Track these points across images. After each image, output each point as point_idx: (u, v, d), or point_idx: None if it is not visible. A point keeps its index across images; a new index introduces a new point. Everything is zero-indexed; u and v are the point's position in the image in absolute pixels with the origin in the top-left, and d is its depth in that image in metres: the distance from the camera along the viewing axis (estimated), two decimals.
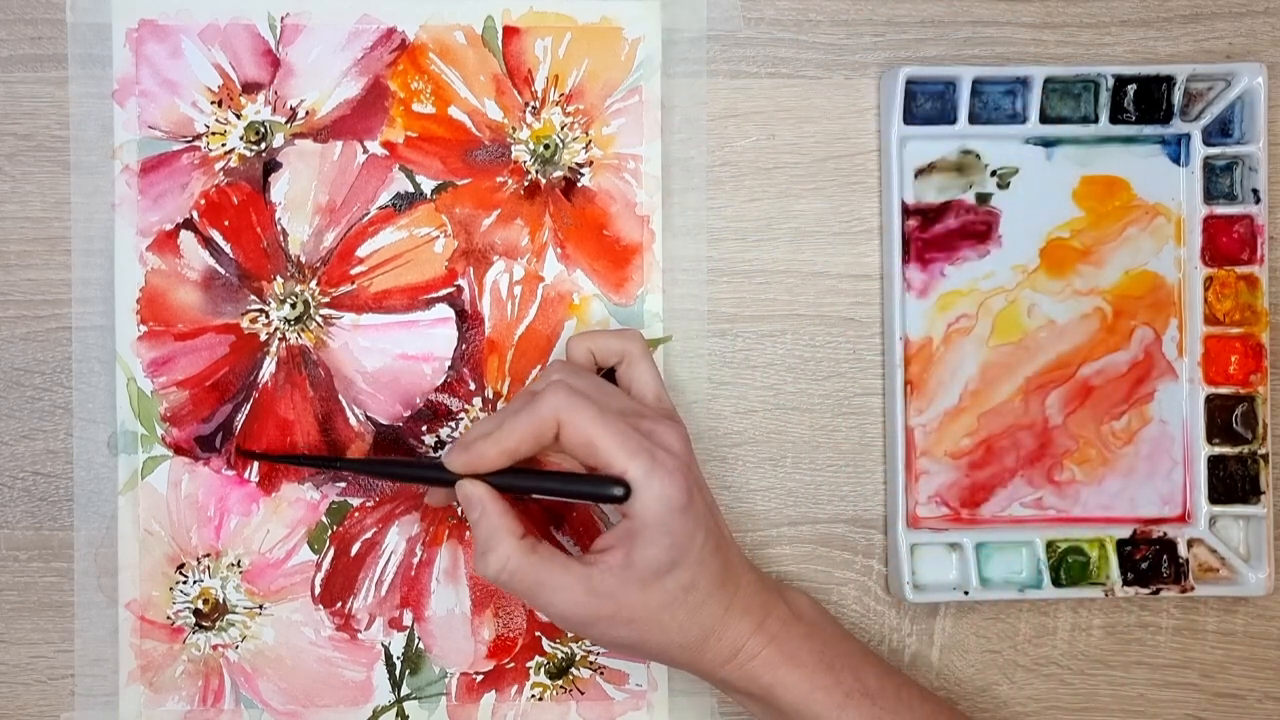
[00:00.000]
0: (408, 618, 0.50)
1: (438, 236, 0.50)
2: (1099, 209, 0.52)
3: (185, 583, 0.50)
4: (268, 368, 0.50)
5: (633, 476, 0.42)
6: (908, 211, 0.52)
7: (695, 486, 0.44)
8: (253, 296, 0.50)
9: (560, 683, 0.51)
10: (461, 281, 0.51)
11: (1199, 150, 0.52)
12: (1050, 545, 0.51)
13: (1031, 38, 0.53)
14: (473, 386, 0.50)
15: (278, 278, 0.50)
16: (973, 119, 0.51)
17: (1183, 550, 0.51)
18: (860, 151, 0.52)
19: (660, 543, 0.42)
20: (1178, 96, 0.51)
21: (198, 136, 0.50)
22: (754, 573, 0.46)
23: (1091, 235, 0.52)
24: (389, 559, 0.50)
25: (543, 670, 0.51)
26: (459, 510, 0.50)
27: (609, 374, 0.48)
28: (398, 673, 0.50)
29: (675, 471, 0.42)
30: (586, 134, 0.51)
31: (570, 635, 0.51)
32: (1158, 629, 0.53)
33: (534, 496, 0.47)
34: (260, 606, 0.50)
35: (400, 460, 0.50)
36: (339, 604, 0.50)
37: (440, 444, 0.50)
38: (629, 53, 0.51)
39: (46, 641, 0.50)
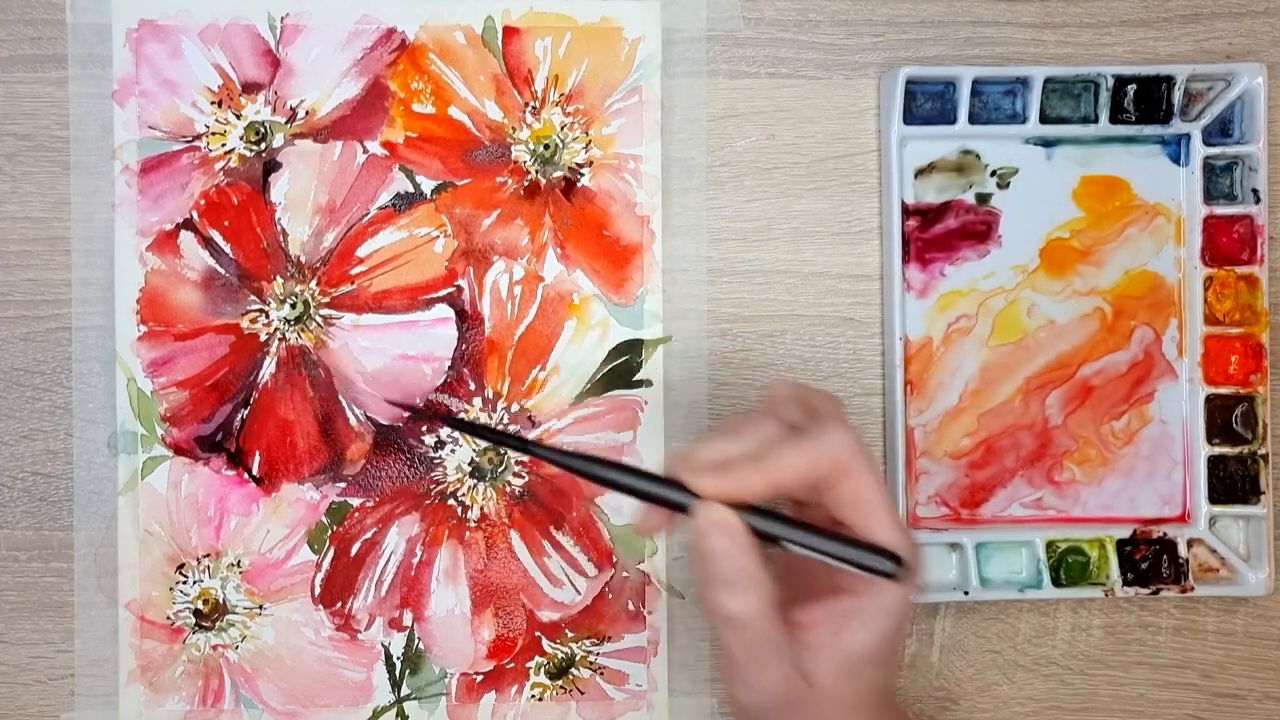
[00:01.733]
0: (408, 618, 0.50)
1: (438, 236, 0.50)
2: (1099, 209, 0.52)
3: (185, 583, 0.50)
4: (268, 368, 0.50)
5: (895, 548, 0.38)
6: (908, 211, 0.52)
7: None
8: (253, 296, 0.50)
9: (560, 683, 0.51)
10: (461, 282, 0.51)
11: (1199, 150, 0.52)
12: (1050, 545, 0.51)
13: (1031, 38, 0.53)
14: (473, 387, 0.50)
15: (278, 278, 0.50)
16: (973, 119, 0.51)
17: (1183, 550, 0.51)
18: (860, 151, 0.53)
19: (879, 631, 0.38)
20: (1178, 96, 0.51)
21: (198, 136, 0.50)
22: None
23: (1091, 235, 0.52)
24: (389, 559, 0.50)
25: (543, 670, 0.51)
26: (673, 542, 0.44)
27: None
28: (398, 673, 0.50)
29: (917, 566, 0.39)
30: (586, 134, 0.51)
31: (570, 636, 0.51)
32: (1158, 629, 0.53)
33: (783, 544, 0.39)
34: (260, 606, 0.50)
35: (635, 469, 0.39)
36: (339, 604, 0.50)
37: (440, 444, 0.50)
38: (629, 53, 0.51)
39: (46, 641, 0.50)
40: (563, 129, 0.51)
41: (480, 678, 0.51)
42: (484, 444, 0.50)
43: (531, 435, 0.51)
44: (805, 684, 0.38)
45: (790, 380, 0.47)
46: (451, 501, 0.50)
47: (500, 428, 0.48)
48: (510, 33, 0.51)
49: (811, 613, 0.39)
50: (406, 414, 0.49)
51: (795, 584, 0.41)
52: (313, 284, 0.50)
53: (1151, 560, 0.51)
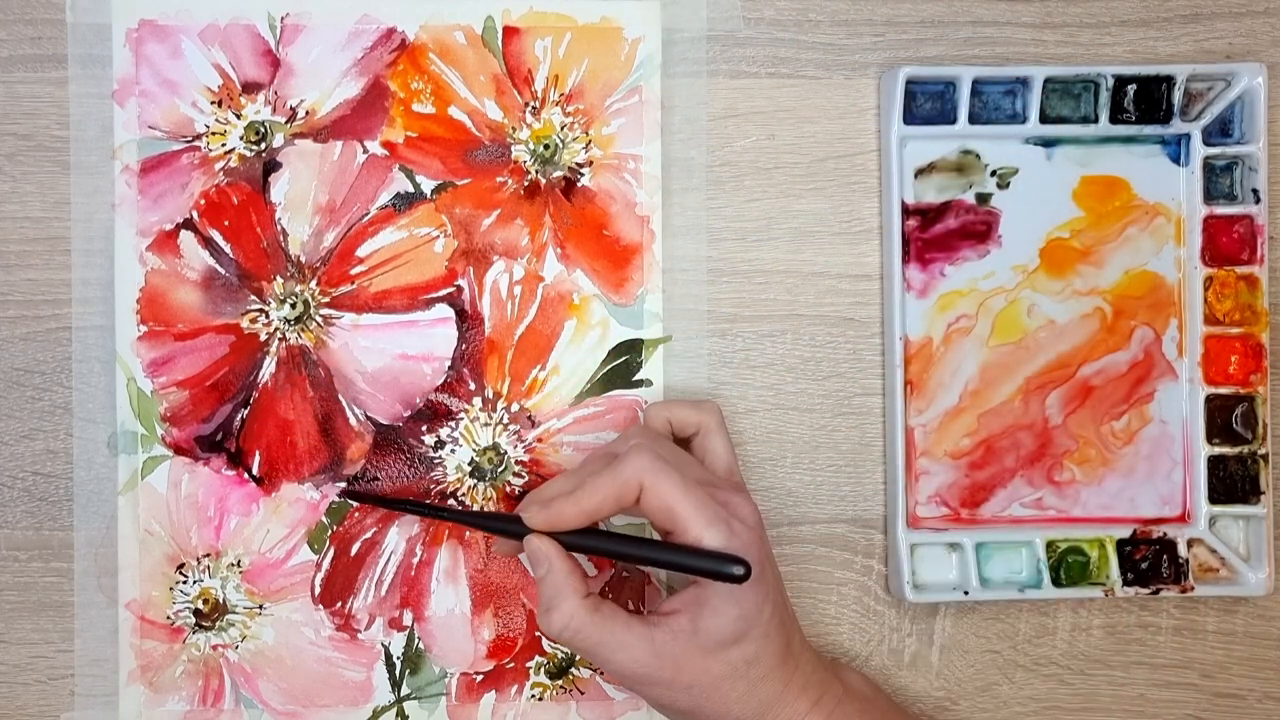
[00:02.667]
0: (408, 618, 0.50)
1: (438, 236, 0.50)
2: (1099, 209, 0.52)
3: (185, 583, 0.50)
4: (268, 368, 0.50)
5: (708, 545, 0.42)
6: (908, 211, 0.52)
7: (766, 560, 0.44)
8: (253, 296, 0.50)
9: (560, 683, 0.51)
10: (461, 281, 0.51)
11: (1199, 150, 0.52)
12: (1050, 545, 0.51)
13: (1031, 38, 0.53)
14: (473, 386, 0.50)
15: (278, 278, 0.50)
16: (973, 119, 0.51)
17: (1183, 550, 0.51)
18: (860, 151, 0.53)
19: (729, 613, 0.43)
20: (1178, 96, 0.51)
21: (198, 136, 0.50)
22: (811, 650, 0.46)
23: (1091, 235, 0.52)
24: (389, 559, 0.50)
25: (543, 670, 0.51)
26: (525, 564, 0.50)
27: (683, 444, 0.48)
28: (398, 673, 0.50)
29: (749, 544, 0.43)
30: (586, 134, 0.51)
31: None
32: (1158, 629, 0.53)
33: (615, 561, 0.47)
34: (260, 606, 0.50)
35: (477, 513, 0.50)
36: (339, 604, 0.50)
37: (440, 444, 0.50)
38: (629, 53, 0.51)
39: (46, 641, 0.50)
40: (563, 129, 0.51)
41: (480, 677, 0.51)
42: (484, 444, 0.50)
43: (531, 435, 0.51)
44: (670, 663, 0.42)
45: (665, 401, 0.50)
46: (451, 501, 0.50)
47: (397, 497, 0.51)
48: (510, 33, 0.51)
49: (672, 602, 0.44)
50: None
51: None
52: (313, 284, 0.50)
53: (1151, 560, 0.51)
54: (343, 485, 0.50)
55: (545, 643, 0.51)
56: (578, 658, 0.51)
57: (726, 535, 0.42)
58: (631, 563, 0.45)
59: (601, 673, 0.51)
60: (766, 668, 0.44)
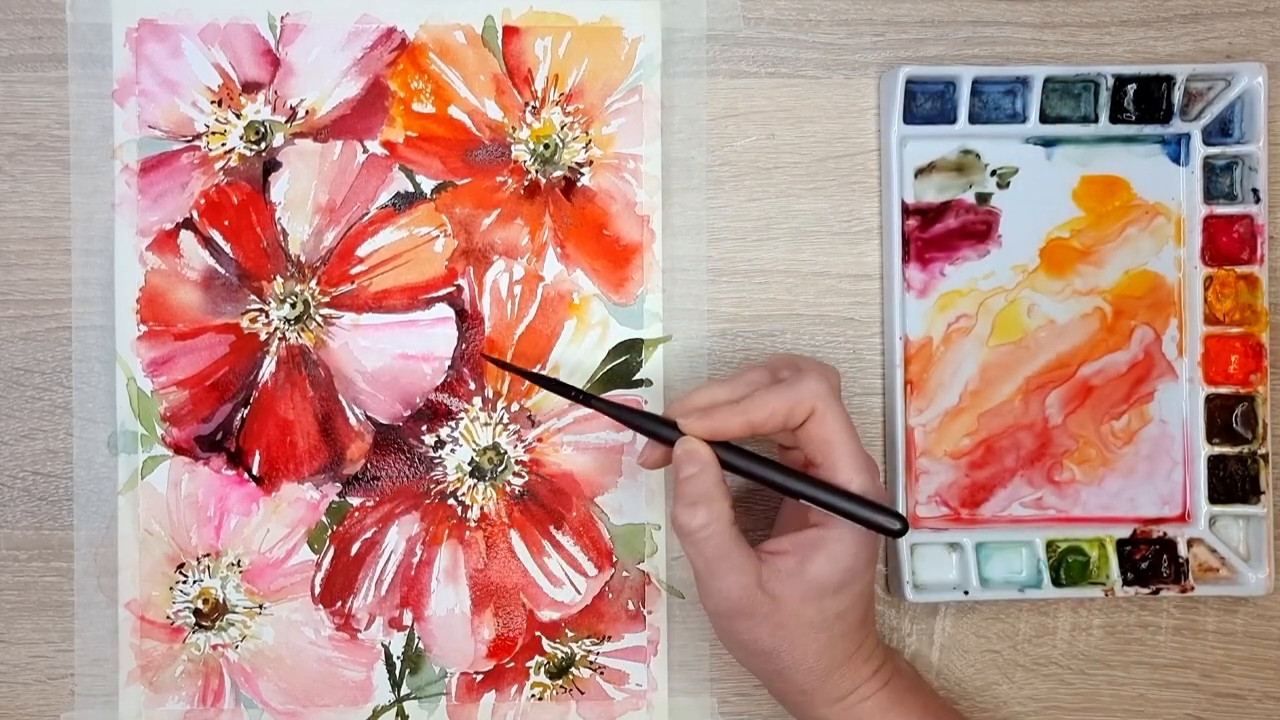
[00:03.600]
0: (408, 617, 0.50)
1: (438, 236, 0.50)
2: (1099, 209, 0.52)
3: (185, 582, 0.50)
4: (268, 367, 0.50)
5: (857, 490, 0.43)
6: (908, 211, 0.52)
7: None
8: (253, 296, 0.50)
9: (560, 683, 0.51)
10: (461, 281, 0.51)
11: (1199, 150, 0.52)
12: (1050, 545, 0.51)
13: (1031, 38, 0.53)
14: (472, 386, 0.50)
15: (278, 277, 0.50)
16: (973, 119, 0.51)
17: (1183, 550, 0.51)
18: (860, 151, 0.53)
19: (840, 563, 0.43)
20: (1178, 96, 0.51)
21: (198, 136, 0.50)
22: (875, 627, 0.47)
23: (1091, 235, 0.52)
24: (389, 559, 0.50)
25: (543, 670, 0.51)
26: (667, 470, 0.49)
27: None
28: (398, 672, 0.50)
29: (886, 501, 0.43)
30: (586, 134, 0.51)
31: (570, 636, 0.51)
32: (1158, 629, 0.53)
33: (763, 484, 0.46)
34: (260, 606, 0.50)
35: (626, 408, 0.47)
36: (339, 604, 0.50)
37: (440, 444, 0.50)
38: (629, 52, 0.51)
39: (46, 641, 0.50)
40: (563, 129, 0.51)
41: (480, 677, 0.51)
42: (484, 443, 0.50)
43: (531, 435, 0.51)
44: (769, 599, 0.43)
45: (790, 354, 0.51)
46: (451, 501, 0.50)
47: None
48: (510, 32, 0.51)
49: (781, 543, 0.44)
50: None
51: (775, 523, 0.49)
52: (313, 283, 0.50)
53: (1151, 560, 0.51)
54: (340, 486, 0.50)
55: (545, 642, 0.51)
56: (578, 658, 0.51)
57: (874, 484, 0.43)
58: (779, 491, 0.44)
59: (602, 672, 0.51)
60: (849, 625, 0.44)
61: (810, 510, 0.44)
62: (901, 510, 0.51)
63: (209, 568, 0.50)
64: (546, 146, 0.51)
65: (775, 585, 0.43)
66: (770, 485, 0.44)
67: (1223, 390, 0.52)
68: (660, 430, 0.45)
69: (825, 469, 0.43)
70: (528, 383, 0.50)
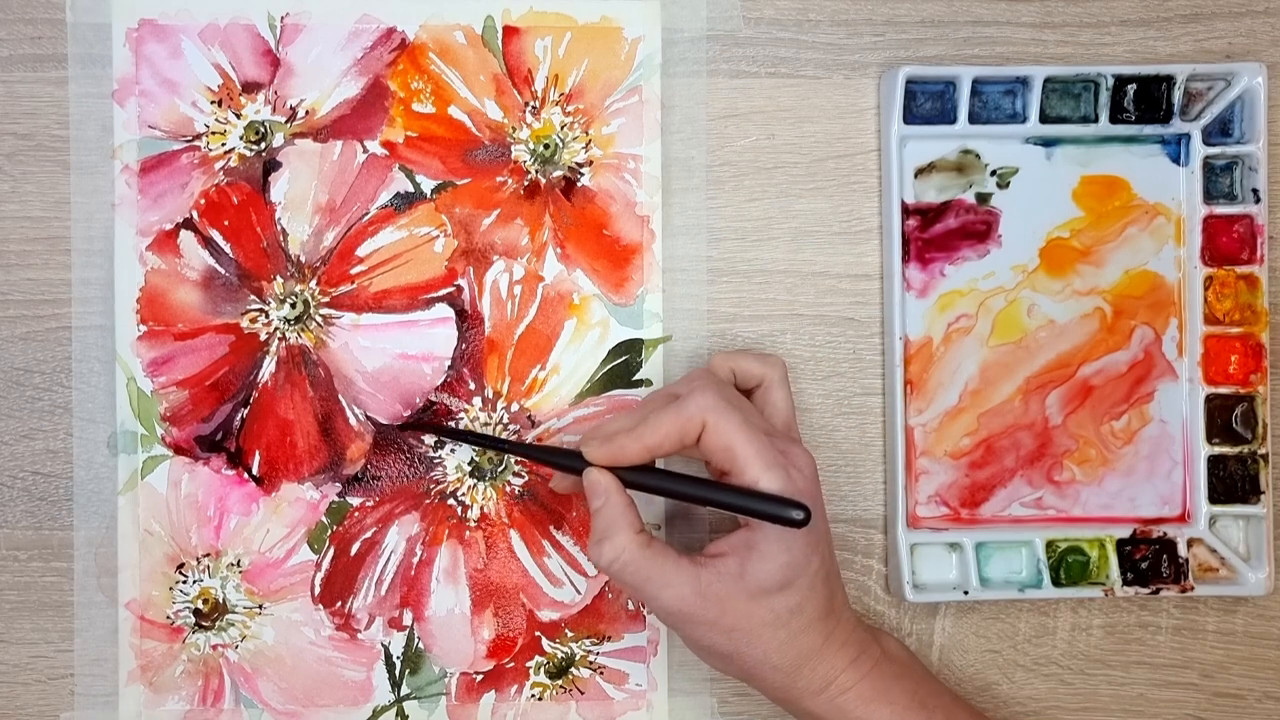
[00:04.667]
0: (407, 617, 0.50)
1: (437, 236, 0.50)
2: (1099, 209, 0.52)
3: (185, 582, 0.50)
4: (268, 367, 0.50)
5: (765, 489, 0.42)
6: (908, 211, 0.52)
7: (819, 513, 0.44)
8: (252, 296, 0.50)
9: (560, 683, 0.51)
10: (461, 281, 0.51)
11: (1199, 150, 0.52)
12: (1050, 545, 0.51)
13: (1031, 38, 0.53)
14: (473, 386, 0.50)
15: (278, 277, 0.50)
16: (973, 119, 0.51)
17: (1183, 550, 0.51)
18: (860, 151, 0.53)
19: (777, 559, 0.43)
20: (1178, 96, 0.51)
21: (198, 136, 0.50)
22: (852, 611, 0.47)
23: (1091, 235, 0.52)
24: (389, 559, 0.50)
25: (542, 670, 0.51)
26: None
27: (744, 395, 0.48)
28: (397, 672, 0.50)
29: (805, 492, 0.43)
30: (586, 134, 0.51)
31: (570, 636, 0.51)
32: (1158, 629, 0.53)
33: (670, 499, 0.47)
34: (260, 606, 0.50)
35: (536, 445, 0.49)
36: (339, 604, 0.50)
37: (440, 444, 0.50)
38: (629, 52, 0.51)
39: (46, 641, 0.50)
40: (563, 129, 0.51)
41: (480, 677, 0.51)
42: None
43: (531, 435, 0.51)
44: (714, 604, 0.43)
45: (731, 351, 0.51)
46: (451, 501, 0.50)
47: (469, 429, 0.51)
48: (510, 32, 0.51)
49: (720, 545, 0.44)
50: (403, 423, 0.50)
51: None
52: (313, 284, 0.50)
53: (1151, 560, 0.51)
54: (340, 487, 0.50)
55: (545, 643, 0.51)
56: (578, 658, 0.51)
57: (784, 480, 0.42)
58: (687, 501, 0.45)
59: (602, 672, 0.51)
60: (808, 619, 0.44)
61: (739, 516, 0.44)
62: (902, 510, 0.51)
63: (209, 568, 0.50)
64: (546, 146, 0.51)
65: (718, 588, 0.43)
66: (679, 497, 0.45)
67: (1223, 390, 0.52)
68: (567, 462, 0.45)
69: (735, 475, 0.43)
70: (528, 383, 0.51)
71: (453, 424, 0.50)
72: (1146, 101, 0.52)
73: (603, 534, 0.43)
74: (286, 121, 0.50)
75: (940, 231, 0.52)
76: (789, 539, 0.43)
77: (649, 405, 0.45)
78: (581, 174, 0.51)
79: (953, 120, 0.51)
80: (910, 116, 0.51)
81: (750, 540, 0.43)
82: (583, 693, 0.51)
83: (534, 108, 0.51)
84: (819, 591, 0.44)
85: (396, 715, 0.50)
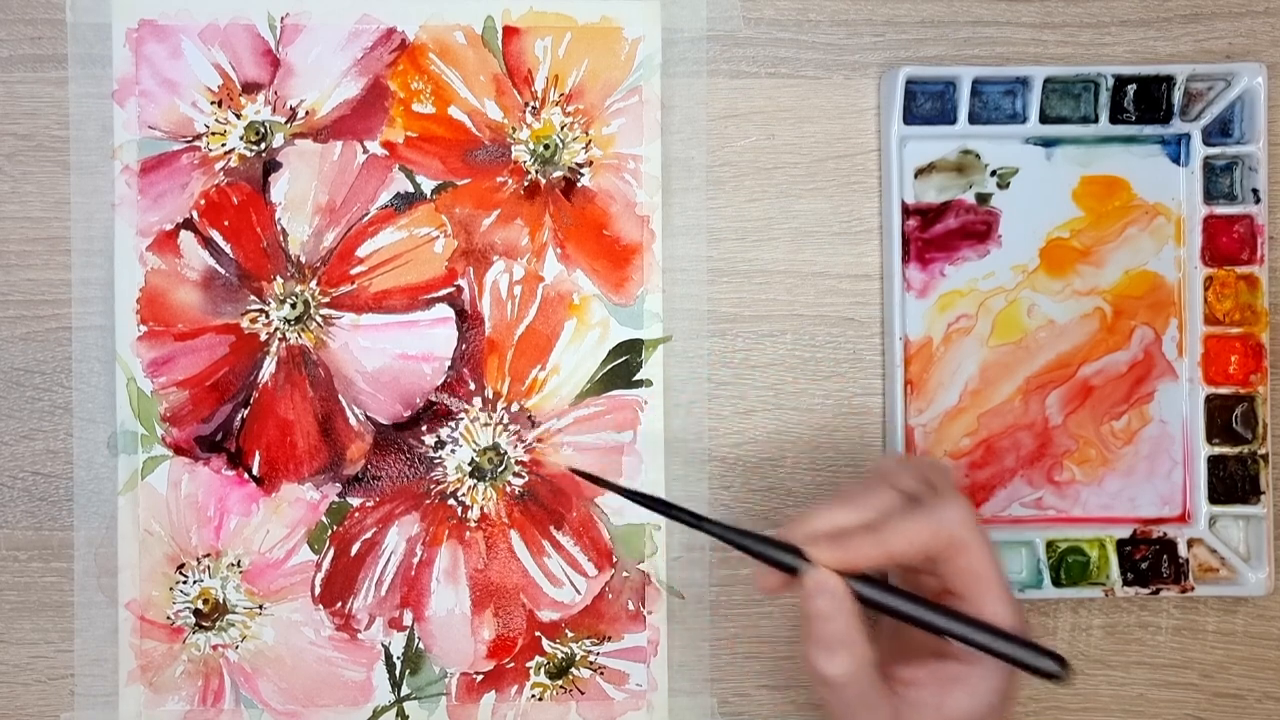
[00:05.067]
0: (408, 618, 0.50)
1: (437, 236, 0.50)
2: (1099, 209, 0.52)
3: (185, 583, 0.50)
4: (268, 368, 0.50)
5: (1004, 626, 0.39)
6: (908, 211, 0.52)
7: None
8: (253, 296, 0.50)
9: (560, 683, 0.51)
10: (461, 281, 0.51)
11: (1199, 150, 0.52)
12: (1050, 545, 0.51)
13: (1031, 38, 0.53)
14: (473, 386, 0.50)
15: (278, 278, 0.50)
16: (973, 119, 0.51)
17: (1183, 550, 0.51)
18: (860, 151, 0.53)
19: (983, 699, 0.39)
20: (1178, 96, 0.51)
21: (198, 136, 0.50)
22: None
23: (1091, 235, 0.52)
24: (389, 559, 0.50)
25: (543, 670, 0.51)
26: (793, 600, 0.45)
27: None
28: (398, 673, 0.50)
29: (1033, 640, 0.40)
30: (586, 134, 0.51)
31: (570, 636, 0.51)
32: (1158, 629, 0.53)
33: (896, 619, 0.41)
34: (260, 606, 0.50)
35: (746, 531, 0.41)
36: (339, 604, 0.50)
37: (440, 444, 0.50)
38: (629, 53, 0.51)
39: (46, 641, 0.50)
40: (563, 129, 0.51)
41: (480, 677, 0.51)
42: (484, 444, 0.50)
43: (531, 435, 0.51)
44: None
45: (897, 454, 0.49)
46: (451, 501, 0.50)
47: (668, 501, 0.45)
48: (510, 32, 0.51)
49: (915, 671, 0.40)
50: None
51: (896, 641, 0.43)
52: (313, 284, 0.50)
53: (1151, 560, 0.51)
54: (340, 487, 0.50)
55: (545, 643, 0.51)
56: (578, 658, 0.51)
57: (1020, 619, 0.39)
58: (925, 629, 0.40)
59: (602, 672, 0.51)
60: None
61: (948, 641, 0.40)
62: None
63: (209, 568, 0.50)
64: (546, 147, 0.51)
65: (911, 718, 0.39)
66: (914, 623, 0.40)
67: (1223, 390, 0.52)
68: (783, 558, 0.40)
69: (969, 602, 0.39)
70: (528, 383, 0.51)
71: (569, 468, 0.49)
72: (1146, 102, 0.52)
73: (837, 642, 0.38)
74: (286, 122, 0.50)
75: (940, 232, 0.52)
76: (1001, 682, 0.39)
77: (877, 503, 0.40)
78: (581, 174, 0.51)
79: (953, 120, 0.51)
80: (910, 117, 0.51)
81: (959, 674, 0.40)
82: (583, 693, 0.51)
83: (534, 108, 0.51)
84: None
85: (397, 715, 0.50)
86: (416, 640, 0.50)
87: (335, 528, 0.50)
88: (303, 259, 0.50)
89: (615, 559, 0.51)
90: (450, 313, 0.51)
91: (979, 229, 0.52)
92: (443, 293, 0.51)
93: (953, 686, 0.40)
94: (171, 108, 0.50)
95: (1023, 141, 0.52)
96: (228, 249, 0.50)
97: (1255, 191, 0.52)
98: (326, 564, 0.50)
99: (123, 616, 0.49)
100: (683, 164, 0.52)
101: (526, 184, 0.51)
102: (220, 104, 0.50)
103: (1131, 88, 0.51)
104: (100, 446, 0.50)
